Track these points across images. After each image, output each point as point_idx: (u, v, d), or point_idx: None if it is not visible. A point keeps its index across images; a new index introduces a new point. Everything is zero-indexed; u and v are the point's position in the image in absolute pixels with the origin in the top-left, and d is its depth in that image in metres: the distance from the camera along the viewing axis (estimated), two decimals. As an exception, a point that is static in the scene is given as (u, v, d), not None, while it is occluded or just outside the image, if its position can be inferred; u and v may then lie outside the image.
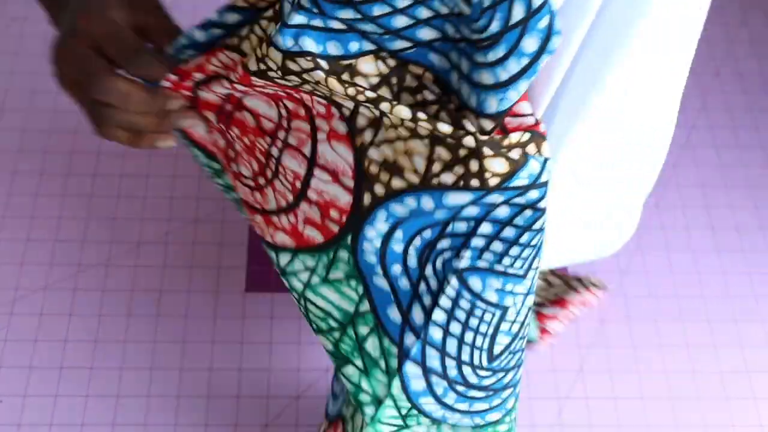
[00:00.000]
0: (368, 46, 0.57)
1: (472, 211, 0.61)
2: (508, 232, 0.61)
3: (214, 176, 0.75)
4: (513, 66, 0.53)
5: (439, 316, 0.65)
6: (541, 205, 0.60)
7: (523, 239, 0.62)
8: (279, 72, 0.57)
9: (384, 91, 0.58)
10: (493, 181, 0.58)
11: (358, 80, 0.57)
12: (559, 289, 1.13)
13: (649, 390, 1.10)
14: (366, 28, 0.55)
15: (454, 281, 0.63)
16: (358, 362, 0.71)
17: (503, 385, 0.72)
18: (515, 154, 0.58)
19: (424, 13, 0.54)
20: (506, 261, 0.63)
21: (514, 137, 0.58)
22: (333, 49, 0.56)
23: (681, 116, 1.37)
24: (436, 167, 0.59)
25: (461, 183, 0.58)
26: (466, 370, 0.68)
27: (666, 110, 0.68)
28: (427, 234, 0.63)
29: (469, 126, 0.56)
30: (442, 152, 0.58)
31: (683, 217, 1.26)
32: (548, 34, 0.52)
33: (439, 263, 0.64)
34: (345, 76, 0.57)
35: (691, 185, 1.29)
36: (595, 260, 1.22)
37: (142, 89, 0.62)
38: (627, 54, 0.61)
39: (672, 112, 0.68)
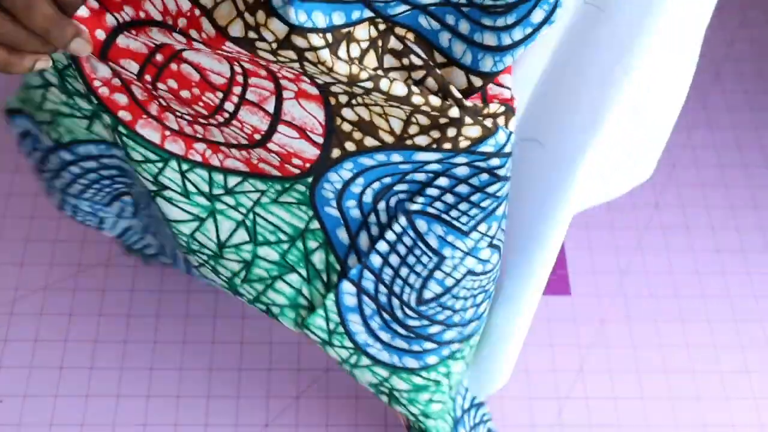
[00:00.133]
0: (368, 13, 0.56)
1: (435, 166, 0.64)
2: (462, 188, 0.66)
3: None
4: (518, 34, 0.56)
5: (382, 246, 0.70)
6: (499, 172, 0.64)
7: (474, 198, 0.66)
8: (273, 44, 0.54)
9: (371, 55, 0.58)
10: (463, 144, 0.61)
11: (353, 47, 0.57)
12: None
13: (649, 390, 1.10)
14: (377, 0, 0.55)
15: (402, 219, 0.68)
16: (303, 271, 0.75)
17: (427, 333, 0.76)
18: (489, 122, 0.62)
19: None
20: (454, 213, 0.67)
21: (492, 107, 0.61)
22: (337, 19, 0.55)
23: (681, 116, 1.37)
24: (413, 130, 0.61)
25: (434, 145, 0.61)
26: (395, 302, 0.74)
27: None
28: (387, 180, 0.66)
29: (455, 92, 0.59)
30: (421, 118, 0.60)
31: (683, 217, 1.26)
32: (554, 7, 0.55)
33: (392, 201, 0.68)
34: (341, 50, 0.56)
35: (691, 185, 1.29)
36: (597, 252, 1.22)
37: (50, 4, 0.53)
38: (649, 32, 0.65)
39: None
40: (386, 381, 0.82)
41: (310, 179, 0.67)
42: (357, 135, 0.63)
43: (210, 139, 0.67)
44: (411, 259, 0.71)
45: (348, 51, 0.57)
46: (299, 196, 0.70)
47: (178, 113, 0.66)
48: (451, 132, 0.61)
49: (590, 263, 1.21)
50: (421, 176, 0.66)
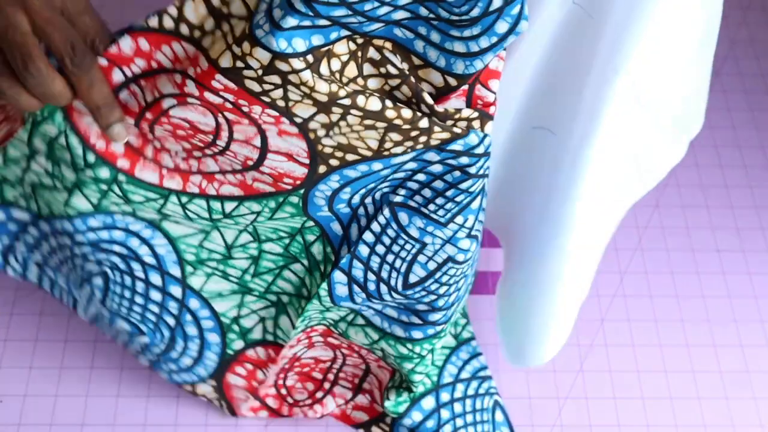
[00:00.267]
0: (345, 32, 0.63)
1: (412, 165, 0.72)
2: (438, 184, 0.74)
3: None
4: (484, 42, 0.63)
5: (368, 236, 0.77)
6: (470, 170, 0.72)
7: (449, 193, 0.74)
8: (259, 72, 0.61)
9: (351, 66, 0.66)
10: (434, 143, 0.69)
11: (333, 62, 0.64)
12: None
13: (649, 390, 1.10)
14: (351, 20, 0.61)
15: (386, 211, 0.76)
16: (305, 261, 0.82)
17: (426, 319, 0.84)
18: (462, 125, 0.69)
19: (402, 0, 0.61)
20: (432, 207, 0.75)
21: (465, 113, 0.68)
22: (316, 40, 0.62)
23: (681, 116, 1.38)
24: (388, 145, 0.68)
25: (408, 150, 0.69)
26: (383, 288, 0.80)
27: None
28: (372, 185, 0.74)
29: (427, 98, 0.65)
30: (394, 135, 0.67)
31: (683, 217, 1.26)
32: (518, 19, 0.61)
33: (377, 195, 0.76)
34: (323, 66, 0.63)
35: (691, 185, 1.29)
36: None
37: (65, 84, 0.61)
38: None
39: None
40: (377, 343, 0.89)
41: (302, 191, 0.74)
42: (339, 153, 0.69)
43: (205, 171, 0.73)
44: (395, 248, 0.78)
45: (329, 66, 0.64)
46: (293, 209, 0.76)
47: (172, 152, 0.71)
48: (422, 139, 0.68)
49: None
50: (401, 174, 0.73)
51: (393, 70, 0.66)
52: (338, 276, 0.80)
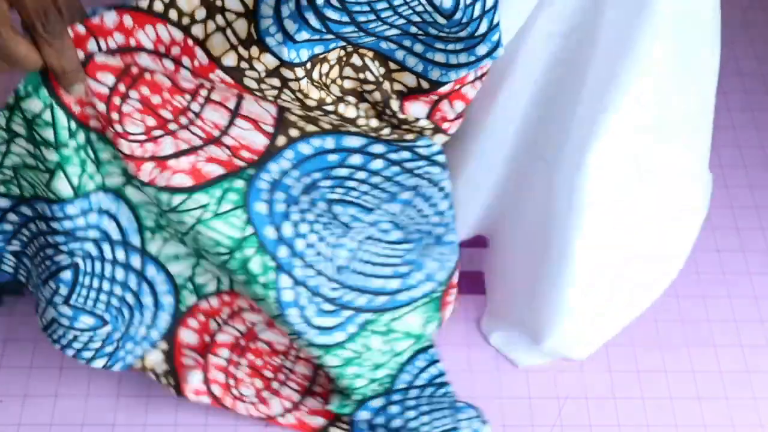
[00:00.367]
0: (342, 43, 0.68)
1: (356, 160, 0.79)
2: (376, 180, 0.81)
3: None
4: (462, 58, 0.70)
5: (303, 228, 0.82)
6: (407, 165, 0.79)
7: (383, 185, 0.81)
8: (262, 74, 0.66)
9: (335, 69, 0.71)
10: (384, 139, 0.76)
11: (324, 66, 0.70)
12: None
13: (649, 390, 1.11)
14: (352, 35, 0.66)
15: (322, 204, 0.82)
16: (241, 277, 0.85)
17: (343, 302, 0.89)
18: (413, 133, 0.76)
19: (399, 21, 0.67)
20: (365, 198, 0.82)
21: (422, 123, 0.75)
22: (317, 50, 0.67)
23: (681, 116, 1.38)
24: (347, 126, 0.75)
25: (361, 134, 0.76)
26: (321, 280, 0.86)
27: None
28: (317, 175, 0.79)
29: (394, 105, 0.73)
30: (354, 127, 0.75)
31: (683, 217, 1.26)
32: (496, 45, 0.68)
33: (316, 194, 0.81)
34: (315, 72, 0.69)
35: (691, 185, 1.29)
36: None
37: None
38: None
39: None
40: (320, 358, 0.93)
41: (251, 171, 0.78)
42: (301, 123, 0.75)
43: (159, 155, 0.75)
44: (325, 233, 0.84)
45: (320, 70, 0.69)
46: (236, 196, 0.79)
47: (131, 136, 0.73)
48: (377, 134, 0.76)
49: (590, 263, 1.21)
50: (344, 172, 0.79)
51: (370, 77, 0.72)
52: (283, 280, 0.84)
